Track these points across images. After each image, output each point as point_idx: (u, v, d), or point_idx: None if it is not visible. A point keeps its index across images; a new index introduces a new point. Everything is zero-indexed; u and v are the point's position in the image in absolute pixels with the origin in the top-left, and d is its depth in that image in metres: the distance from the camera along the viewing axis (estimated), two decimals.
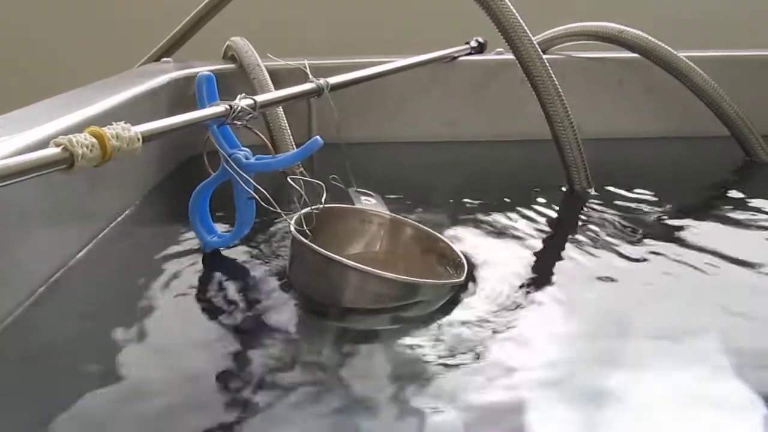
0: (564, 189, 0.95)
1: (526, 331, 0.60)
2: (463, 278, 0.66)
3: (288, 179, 0.67)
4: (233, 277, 0.70)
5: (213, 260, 0.73)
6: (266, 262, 0.72)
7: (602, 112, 1.21)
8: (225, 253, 0.74)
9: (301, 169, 0.87)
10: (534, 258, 0.75)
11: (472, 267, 0.70)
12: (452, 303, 0.64)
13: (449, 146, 1.20)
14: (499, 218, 0.85)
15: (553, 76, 0.95)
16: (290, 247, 0.69)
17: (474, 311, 0.63)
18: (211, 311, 0.64)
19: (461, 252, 0.69)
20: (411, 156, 1.17)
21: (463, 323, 0.61)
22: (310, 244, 0.63)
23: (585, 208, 0.91)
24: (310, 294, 0.65)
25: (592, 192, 0.94)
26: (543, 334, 0.60)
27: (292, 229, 0.65)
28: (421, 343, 0.59)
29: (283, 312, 0.63)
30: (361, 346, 0.59)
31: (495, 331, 0.60)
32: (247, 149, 0.70)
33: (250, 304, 0.64)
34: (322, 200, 0.67)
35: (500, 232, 0.81)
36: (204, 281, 0.69)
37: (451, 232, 0.80)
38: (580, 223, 0.86)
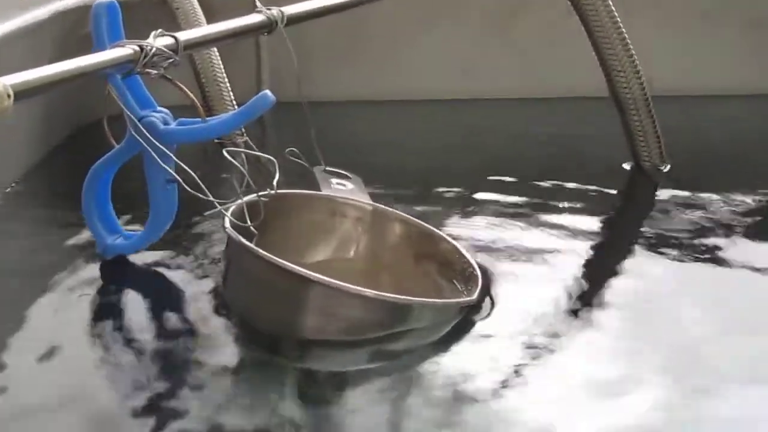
0: (627, 166, 0.96)
1: (564, 375, 0.60)
2: (475, 296, 0.66)
3: (225, 153, 0.67)
4: (145, 295, 0.70)
5: (116, 271, 0.73)
6: (193, 274, 0.72)
7: (681, 59, 1.21)
8: (133, 260, 0.74)
9: (246, 138, 0.87)
10: (580, 267, 0.75)
11: (488, 279, 0.70)
12: (460, 332, 0.64)
13: (461, 106, 1.20)
14: (530, 209, 0.85)
15: (612, 7, 0.95)
16: (225, 251, 0.68)
17: (491, 344, 0.63)
18: (112, 347, 0.63)
19: (473, 258, 0.69)
20: (405, 121, 1.17)
21: (476, 362, 0.61)
22: (254, 247, 0.63)
23: (656, 195, 0.92)
24: (255, 320, 0.65)
25: (666, 170, 0.95)
26: (590, 382, 0.60)
27: (228, 224, 0.65)
28: (415, 391, 0.58)
29: (216, 347, 0.63)
30: (330, 395, 0.59)
31: (520, 375, 0.60)
32: (166, 110, 0.70)
33: (169, 337, 0.64)
34: (275, 183, 0.67)
35: (532, 229, 0.81)
36: (102, 302, 0.69)
37: (459, 228, 0.80)
38: (647, 216, 0.86)
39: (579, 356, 0.63)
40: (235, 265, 0.67)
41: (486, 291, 0.68)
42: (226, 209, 0.66)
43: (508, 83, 1.22)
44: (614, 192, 0.92)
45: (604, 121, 0.97)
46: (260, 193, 0.66)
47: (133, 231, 0.75)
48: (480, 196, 0.89)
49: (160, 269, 0.73)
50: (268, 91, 0.65)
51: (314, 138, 0.76)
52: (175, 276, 0.72)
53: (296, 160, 0.73)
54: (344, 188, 0.76)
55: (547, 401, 0.58)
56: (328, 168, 0.77)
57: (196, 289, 0.70)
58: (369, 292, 0.62)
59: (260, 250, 0.62)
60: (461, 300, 0.66)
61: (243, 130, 0.85)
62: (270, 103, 0.65)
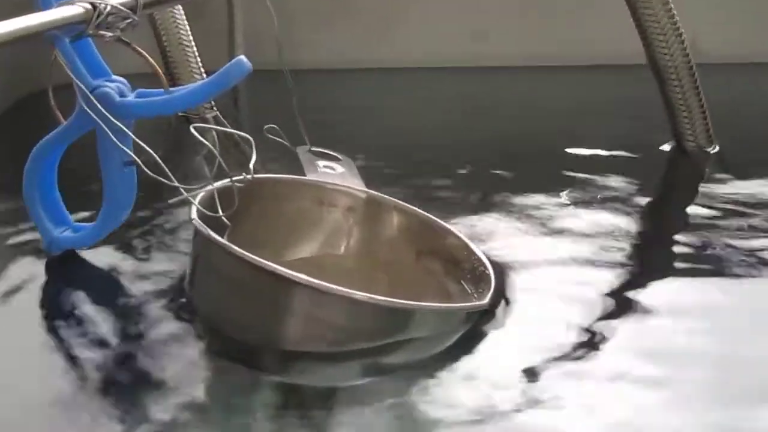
0: (667, 148, 0.96)
1: (591, 394, 0.60)
2: (487, 300, 0.66)
3: (192, 130, 0.66)
4: (97, 298, 0.69)
5: (64, 269, 0.73)
6: (153, 273, 0.72)
7: (731, 20, 1.21)
8: (85, 256, 0.74)
9: (216, 113, 0.87)
10: (610, 267, 0.75)
11: (502, 280, 0.70)
12: (468, 343, 0.64)
13: (472, 75, 1.20)
14: (551, 197, 0.85)
15: None
16: (192, 246, 0.68)
17: (504, 357, 0.63)
18: (61, 357, 0.63)
19: (486, 255, 0.69)
20: (405, 91, 1.17)
21: (487, 378, 0.61)
22: (225, 241, 0.63)
23: (701, 183, 0.91)
24: (226, 327, 0.65)
25: (714, 152, 0.95)
26: (622, 402, 0.59)
27: (195, 214, 0.65)
28: (414, 412, 0.58)
29: (179, 357, 0.63)
30: (314, 416, 0.58)
31: (539, 393, 0.60)
32: (123, 80, 0.70)
33: (124, 347, 0.64)
34: (251, 166, 0.66)
35: (553, 222, 0.81)
36: (48, 305, 0.69)
37: (469, 220, 0.80)
38: (691, 208, 0.86)
39: (608, 371, 0.62)
40: (203, 263, 0.67)
41: (500, 294, 0.68)
42: (194, 196, 0.65)
43: (525, 48, 1.22)
44: (650, 178, 0.92)
45: (640, 93, 0.98)
46: (234, 178, 0.65)
47: (84, 222, 0.75)
48: (491, 179, 0.90)
49: (115, 267, 0.73)
50: (243, 57, 0.64)
51: (297, 112, 0.76)
52: (132, 275, 0.72)
53: (276, 138, 0.73)
54: (333, 172, 0.76)
55: (570, 425, 0.57)
56: (314, 148, 0.77)
57: (157, 290, 0.70)
58: (361, 294, 0.61)
59: (232, 246, 0.62)
60: (471, 305, 0.66)
61: (213, 102, 0.84)
62: (245, 71, 0.64)
